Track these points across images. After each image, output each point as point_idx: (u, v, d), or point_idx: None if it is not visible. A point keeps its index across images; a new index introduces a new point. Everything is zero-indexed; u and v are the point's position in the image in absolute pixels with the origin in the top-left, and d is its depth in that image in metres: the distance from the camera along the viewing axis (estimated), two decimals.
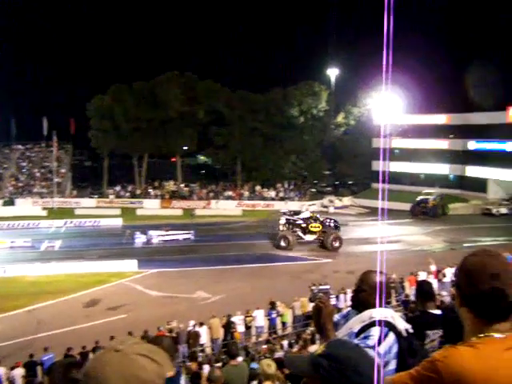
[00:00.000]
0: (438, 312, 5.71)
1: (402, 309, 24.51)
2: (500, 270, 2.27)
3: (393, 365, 3.49)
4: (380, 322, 3.52)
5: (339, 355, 2.08)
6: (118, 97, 66.97)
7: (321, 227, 43.41)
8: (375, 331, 3.49)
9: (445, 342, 5.27)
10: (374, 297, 3.72)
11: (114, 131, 68.08)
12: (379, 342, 3.43)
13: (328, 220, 44.99)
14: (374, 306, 3.68)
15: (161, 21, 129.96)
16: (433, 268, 30.67)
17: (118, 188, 69.21)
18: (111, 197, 66.69)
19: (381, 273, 3.90)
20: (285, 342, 20.61)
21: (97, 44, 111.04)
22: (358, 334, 3.58)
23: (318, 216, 45.38)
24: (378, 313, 3.60)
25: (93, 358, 1.82)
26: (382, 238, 39.49)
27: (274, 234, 44.70)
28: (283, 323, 25.94)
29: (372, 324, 3.56)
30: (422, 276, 29.08)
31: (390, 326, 3.53)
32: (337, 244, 42.71)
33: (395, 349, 3.52)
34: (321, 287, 4.33)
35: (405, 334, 3.60)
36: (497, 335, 2.26)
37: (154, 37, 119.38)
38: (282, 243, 42.82)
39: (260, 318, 25.00)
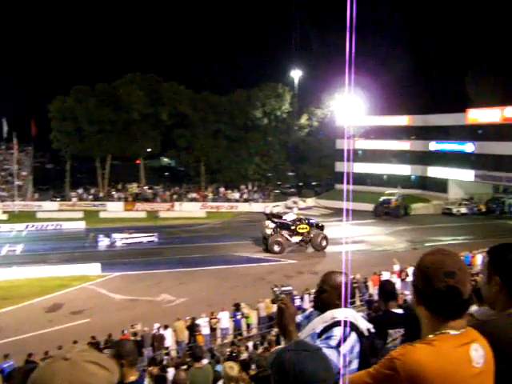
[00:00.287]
0: (400, 311, 5.79)
1: (365, 308, 24.79)
2: (455, 269, 2.34)
3: (355, 364, 3.54)
4: (342, 322, 3.59)
5: (284, 361, 2.10)
6: (80, 98, 66.10)
7: (308, 228, 43.01)
8: (337, 331, 3.53)
9: (406, 341, 5.37)
10: (335, 297, 3.79)
11: (76, 133, 67.21)
12: (342, 342, 3.49)
13: (311, 220, 44.86)
14: (335, 307, 3.74)
15: (123, 22, 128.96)
16: (396, 268, 31.08)
17: (80, 191, 68.30)
18: (74, 200, 65.77)
19: (342, 273, 3.96)
20: (250, 344, 20.64)
21: (58, 44, 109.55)
22: (320, 335, 3.61)
23: (302, 217, 45.02)
24: (340, 313, 3.66)
25: (40, 367, 1.78)
26: (345, 239, 39.90)
27: (263, 238, 43.55)
28: (248, 325, 25.97)
29: (334, 324, 3.61)
30: (386, 276, 29.41)
31: (351, 326, 3.58)
32: (324, 243, 42.36)
33: (357, 348, 3.57)
34: (283, 288, 4.37)
35: (366, 333, 3.66)
36: (452, 332, 2.33)
37: (116, 38, 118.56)
38: (276, 248, 41.90)
39: (225, 320, 24.99)
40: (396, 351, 2.35)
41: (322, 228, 43.99)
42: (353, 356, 3.54)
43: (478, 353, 2.32)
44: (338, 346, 3.46)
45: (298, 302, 25.62)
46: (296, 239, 42.85)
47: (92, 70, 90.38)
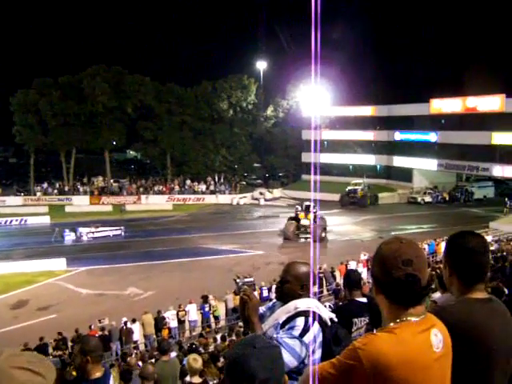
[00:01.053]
0: (364, 300, 5.87)
1: (333, 298, 25.02)
2: (412, 257, 2.34)
3: (318, 354, 3.57)
4: (305, 312, 3.61)
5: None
6: (43, 91, 65.05)
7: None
8: (300, 321, 3.54)
9: (371, 328, 5.47)
10: (298, 287, 3.81)
11: (40, 126, 66.14)
12: (305, 332, 3.53)
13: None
14: (298, 297, 3.76)
15: (86, 13, 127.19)
16: (363, 257, 31.36)
17: (45, 185, 67.42)
18: (38, 194, 64.98)
19: (305, 263, 3.98)
20: (218, 336, 20.66)
21: (19, 36, 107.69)
22: (283, 325, 3.62)
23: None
24: (303, 303, 3.68)
25: None
26: (313, 229, 40.18)
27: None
28: (216, 317, 26.00)
29: (297, 314, 3.62)
30: (352, 265, 29.67)
31: (314, 316, 3.59)
32: (324, 234, 42.93)
33: (320, 338, 3.59)
34: (245, 280, 4.37)
35: (329, 323, 3.69)
36: (413, 319, 2.35)
37: (80, 29, 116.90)
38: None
39: (193, 313, 24.97)
40: (358, 341, 2.35)
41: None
42: (316, 346, 3.55)
43: (438, 338, 2.37)
44: (301, 336, 3.48)
45: (265, 293, 25.72)
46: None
47: (55, 63, 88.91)
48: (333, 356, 2.48)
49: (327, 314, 3.72)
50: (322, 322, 3.64)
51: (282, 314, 3.71)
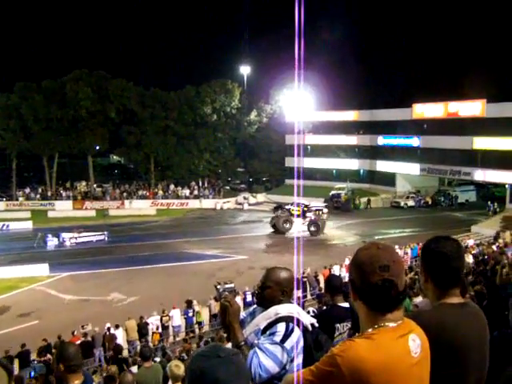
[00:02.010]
0: (346, 305, 5.88)
1: (316, 302, 25.05)
2: (389, 262, 2.35)
3: (299, 359, 3.58)
4: (286, 317, 3.63)
5: (194, 367, 2.10)
6: (26, 95, 64.56)
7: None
8: (281, 327, 3.55)
9: (354, 334, 5.50)
10: (279, 293, 3.82)
11: (22, 131, 65.63)
12: (286, 338, 3.54)
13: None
14: (279, 303, 3.78)
15: (70, 17, 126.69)
16: (347, 261, 31.37)
17: (27, 190, 66.85)
18: (21, 199, 64.41)
19: (286, 269, 4.00)
20: (202, 342, 20.60)
21: (0, 40, 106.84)
22: (264, 331, 3.63)
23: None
24: (284, 309, 3.69)
25: None
26: (296, 234, 40.29)
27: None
28: (199, 322, 25.94)
29: (278, 320, 3.62)
30: (336, 269, 29.79)
31: (295, 322, 3.61)
32: (313, 228, 46.44)
33: (301, 343, 3.59)
34: (226, 286, 4.37)
35: (310, 328, 3.71)
36: (390, 324, 2.35)
37: (63, 33, 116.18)
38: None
39: (177, 318, 24.91)
40: (337, 348, 2.35)
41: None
42: (297, 351, 3.54)
43: (416, 342, 2.38)
44: (283, 341, 3.49)
45: (249, 298, 25.71)
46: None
47: (38, 67, 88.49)
48: (314, 362, 2.48)
49: (308, 320, 3.73)
50: (302, 328, 3.63)
51: (262, 319, 3.71)
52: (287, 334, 3.52)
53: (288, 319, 3.59)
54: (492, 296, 8.88)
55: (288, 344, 3.49)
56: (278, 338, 3.51)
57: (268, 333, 3.59)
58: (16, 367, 19.39)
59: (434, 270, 3.03)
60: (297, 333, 3.57)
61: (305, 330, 3.65)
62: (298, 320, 3.63)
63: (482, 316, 3.04)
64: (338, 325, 5.52)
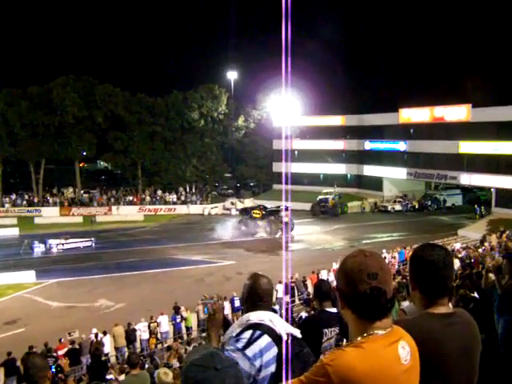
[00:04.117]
0: (334, 310, 5.88)
1: (304, 307, 25.07)
2: (377, 270, 2.33)
3: (272, 369, 3.45)
4: (254, 324, 3.57)
5: (189, 378, 2.09)
6: (12, 101, 64.22)
7: (261, 213, 49.85)
8: (247, 334, 3.48)
9: (341, 339, 5.50)
10: (257, 300, 3.77)
11: (9, 137, 65.22)
12: (248, 345, 3.45)
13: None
14: (255, 310, 3.73)
15: (55, 22, 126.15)
16: (335, 266, 31.38)
17: (13, 196, 66.37)
18: (7, 206, 63.94)
19: (263, 276, 3.93)
20: (190, 347, 20.56)
21: None
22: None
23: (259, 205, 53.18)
24: (255, 315, 3.62)
25: None
26: (285, 238, 40.30)
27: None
28: (188, 328, 25.89)
29: (248, 327, 3.56)
30: (324, 274, 29.83)
31: (265, 329, 3.52)
32: (269, 229, 48.96)
33: (273, 352, 3.47)
34: (210, 301, 4.32)
35: (285, 337, 3.54)
36: (380, 332, 2.34)
37: (49, 39, 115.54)
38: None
39: (164, 324, 24.87)
40: (326, 357, 2.32)
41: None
42: (264, 360, 3.43)
43: (405, 350, 2.36)
44: (245, 348, 3.40)
45: (237, 303, 25.68)
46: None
47: (24, 73, 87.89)
48: (293, 371, 2.50)
49: (283, 328, 3.61)
50: (274, 336, 3.52)
51: (236, 326, 3.66)
52: (250, 341, 3.44)
53: (256, 326, 3.54)
54: (480, 299, 8.90)
55: (249, 351, 3.40)
56: (240, 345, 3.42)
57: (234, 339, 3.54)
58: (1, 376, 19.27)
59: (421, 278, 2.98)
60: (264, 340, 3.46)
61: (278, 338, 3.51)
62: (269, 327, 3.54)
63: (471, 325, 2.98)
64: (325, 330, 5.50)
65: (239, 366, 2.20)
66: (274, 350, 3.47)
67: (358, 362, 2.23)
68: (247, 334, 3.48)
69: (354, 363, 2.23)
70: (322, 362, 2.30)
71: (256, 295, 3.75)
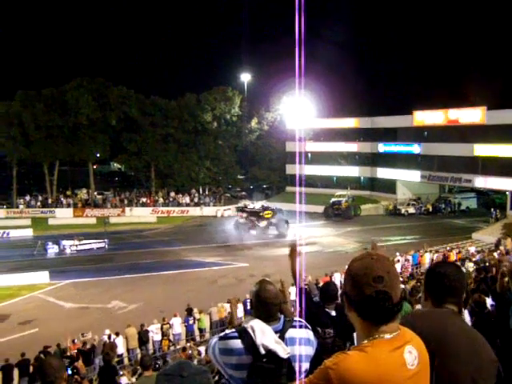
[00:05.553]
0: (333, 313, 5.93)
1: None
2: (383, 273, 2.30)
3: (230, 371, 3.46)
4: (239, 327, 3.55)
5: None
6: (27, 103, 64.63)
7: (271, 213, 50.50)
8: (229, 330, 3.60)
9: (335, 341, 5.54)
10: (259, 308, 3.75)
11: (23, 138, 65.62)
12: (220, 339, 3.53)
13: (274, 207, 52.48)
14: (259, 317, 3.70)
15: (71, 25, 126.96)
16: None
17: (28, 197, 66.85)
18: (21, 207, 64.42)
19: (268, 282, 3.89)
20: (202, 348, 20.55)
21: (1, 48, 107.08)
22: None
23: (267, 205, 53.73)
24: (248, 321, 3.58)
25: None
26: (298, 241, 40.30)
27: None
28: (200, 329, 25.89)
29: (237, 326, 3.66)
30: (337, 277, 29.72)
31: (242, 335, 3.47)
32: (286, 226, 49.13)
33: (241, 360, 3.41)
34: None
35: (263, 351, 3.38)
36: (385, 336, 2.31)
37: (64, 42, 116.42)
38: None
39: (177, 326, 24.85)
40: (329, 360, 2.30)
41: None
42: (225, 359, 3.44)
43: (412, 354, 2.33)
44: (220, 339, 3.53)
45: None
46: (263, 224, 49.85)
47: (39, 75, 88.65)
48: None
49: (267, 342, 3.41)
50: (248, 345, 3.43)
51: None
52: (222, 336, 3.54)
53: (238, 328, 3.55)
54: (497, 303, 8.85)
55: (216, 345, 3.50)
56: (221, 334, 3.58)
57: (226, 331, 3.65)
58: (16, 377, 19.39)
59: (432, 287, 3.15)
60: (234, 343, 3.45)
61: (253, 349, 3.39)
62: (249, 336, 3.44)
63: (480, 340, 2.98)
64: (319, 328, 5.54)
65: (208, 374, 2.22)
66: (243, 358, 3.40)
67: (361, 366, 2.22)
68: (229, 330, 3.58)
69: (357, 367, 2.21)
70: (325, 365, 2.30)
71: (258, 302, 3.72)
